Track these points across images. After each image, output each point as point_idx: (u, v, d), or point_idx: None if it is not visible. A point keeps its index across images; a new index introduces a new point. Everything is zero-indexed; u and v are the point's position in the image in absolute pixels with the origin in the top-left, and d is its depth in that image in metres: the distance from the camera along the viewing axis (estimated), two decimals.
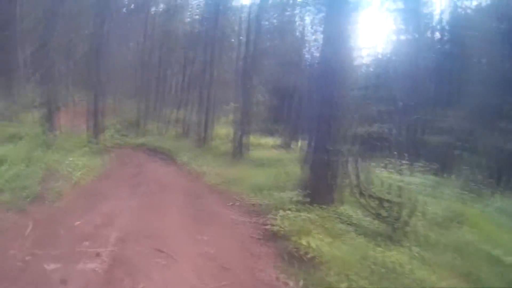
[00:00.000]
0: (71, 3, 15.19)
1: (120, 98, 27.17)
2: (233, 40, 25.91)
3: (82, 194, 7.20)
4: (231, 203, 8.10)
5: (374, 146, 13.27)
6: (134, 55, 29.38)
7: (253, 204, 7.99)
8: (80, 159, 10.20)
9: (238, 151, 18.26)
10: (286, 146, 26.43)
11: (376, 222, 6.28)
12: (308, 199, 7.07)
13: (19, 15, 14.21)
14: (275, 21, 25.46)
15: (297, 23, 26.22)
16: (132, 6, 28.44)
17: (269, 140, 26.60)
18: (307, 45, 27.11)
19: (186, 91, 25.24)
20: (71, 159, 9.70)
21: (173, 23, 25.63)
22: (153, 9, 27.65)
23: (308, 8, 23.99)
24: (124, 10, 26.87)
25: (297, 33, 26.61)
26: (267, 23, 23.87)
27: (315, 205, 6.78)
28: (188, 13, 27.38)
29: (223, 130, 25.24)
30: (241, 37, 23.42)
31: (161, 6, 27.61)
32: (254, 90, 20.84)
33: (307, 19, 24.56)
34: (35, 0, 17.32)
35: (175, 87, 26.58)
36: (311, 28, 24.68)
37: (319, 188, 7.44)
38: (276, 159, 20.22)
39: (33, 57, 14.64)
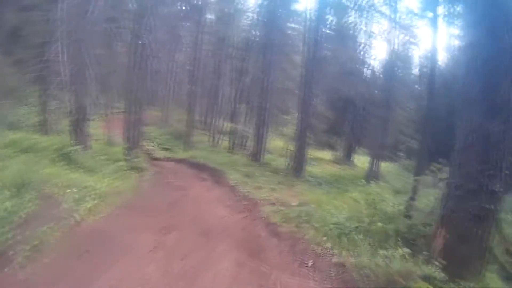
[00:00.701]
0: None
1: (169, 108, 25.44)
2: (291, 46, 23.10)
3: (75, 249, 4.36)
4: (310, 263, 4.97)
5: None
6: (184, 64, 27.90)
7: (342, 265, 4.81)
8: (103, 181, 7.66)
9: (297, 167, 15.21)
10: (344, 160, 23.15)
11: None
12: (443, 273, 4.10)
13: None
14: (334, 26, 22.45)
15: (359, 29, 22.89)
16: (182, 14, 26.48)
17: (325, 154, 23.31)
18: (371, 52, 24.06)
19: (239, 101, 22.68)
20: (90, 181, 7.23)
21: (227, 31, 23.33)
22: (206, 16, 25.52)
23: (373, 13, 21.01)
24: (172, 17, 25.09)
25: (360, 40, 23.28)
26: (327, 28, 21.03)
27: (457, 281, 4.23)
28: (244, 20, 25.08)
29: (278, 142, 22.48)
30: (300, 43, 20.68)
31: (214, 13, 25.53)
32: (315, 100, 17.88)
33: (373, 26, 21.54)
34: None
35: (227, 97, 24.13)
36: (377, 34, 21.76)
37: (463, 253, 4.36)
38: (338, 175, 16.94)
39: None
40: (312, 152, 20.34)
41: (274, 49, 17.74)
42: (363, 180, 15.22)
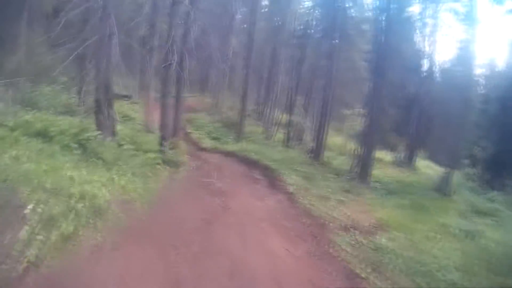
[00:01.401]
0: None
1: (221, 95, 23.27)
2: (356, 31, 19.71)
3: None
4: None
5: None
6: (239, 50, 25.60)
7: None
8: (116, 180, 5.44)
9: (362, 171, 12.17)
10: (406, 163, 19.44)
11: None
12: None
13: None
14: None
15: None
16: None
17: (383, 154, 19.67)
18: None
19: (296, 91, 19.80)
20: (95, 181, 4.99)
21: (284, 15, 20.53)
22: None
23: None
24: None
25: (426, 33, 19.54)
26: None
27: None
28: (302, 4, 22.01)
29: (336, 139, 19.42)
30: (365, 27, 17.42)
31: None
32: (385, 92, 14.61)
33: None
34: None
35: (284, 87, 21.32)
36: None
37: None
38: (405, 183, 13.65)
39: None
40: None
41: (337, 33, 14.73)
42: (435, 193, 12.17)
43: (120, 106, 12.60)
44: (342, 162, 14.41)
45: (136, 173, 6.36)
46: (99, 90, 7.53)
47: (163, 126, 9.04)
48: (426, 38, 19.26)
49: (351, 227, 5.91)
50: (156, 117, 11.11)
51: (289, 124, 19.23)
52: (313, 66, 18.80)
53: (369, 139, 12.84)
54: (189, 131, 16.58)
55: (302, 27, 21.28)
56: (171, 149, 8.81)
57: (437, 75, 21.27)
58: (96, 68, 7.59)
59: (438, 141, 18.93)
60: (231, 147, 13.50)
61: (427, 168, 19.62)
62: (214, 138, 16.25)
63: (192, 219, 5.04)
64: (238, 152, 12.32)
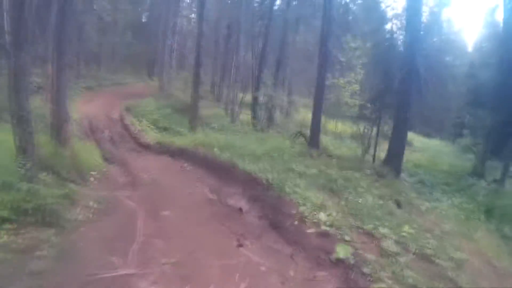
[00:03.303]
0: None
1: (169, 76, 17.88)
2: None
3: None
4: None
5: None
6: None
7: None
8: None
9: (391, 161, 7.97)
10: None
11: None
12: None
13: None
14: None
15: None
16: None
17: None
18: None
19: (261, 65, 15.10)
20: None
21: None
22: None
23: None
24: None
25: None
26: None
27: None
28: None
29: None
30: None
31: None
32: None
33: None
34: None
35: (247, 61, 16.50)
36: None
37: None
38: (445, 172, 9.65)
39: None
40: None
41: None
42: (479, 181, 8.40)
43: None
44: (343, 149, 10.20)
45: None
46: None
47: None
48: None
49: None
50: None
51: (255, 102, 14.69)
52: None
53: (402, 120, 8.42)
54: (127, 122, 11.37)
55: None
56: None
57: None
58: None
59: (424, 111, 15.40)
60: (185, 140, 8.49)
61: (424, 144, 16.42)
62: (162, 129, 11.18)
63: None
64: (195, 148, 7.40)
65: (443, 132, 18.88)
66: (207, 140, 7.70)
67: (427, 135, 18.50)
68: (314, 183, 5.22)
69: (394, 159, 7.84)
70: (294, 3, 16.35)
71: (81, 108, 11.67)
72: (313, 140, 9.39)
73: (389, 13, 11.64)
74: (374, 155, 9.27)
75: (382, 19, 11.61)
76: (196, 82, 10.33)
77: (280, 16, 15.95)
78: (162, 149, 8.14)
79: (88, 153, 5.80)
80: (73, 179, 4.48)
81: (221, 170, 5.79)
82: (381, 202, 4.94)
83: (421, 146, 15.18)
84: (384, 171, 7.32)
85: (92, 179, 4.93)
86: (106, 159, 6.77)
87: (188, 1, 24.24)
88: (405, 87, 8.09)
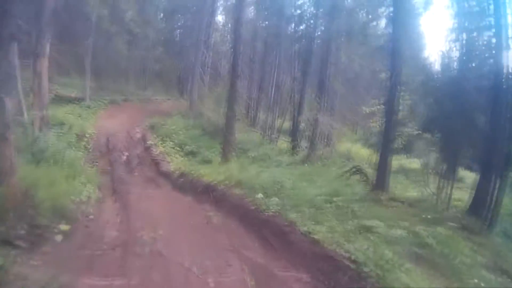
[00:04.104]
0: None
1: (203, 94, 16.25)
2: None
3: None
4: None
5: None
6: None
7: None
8: None
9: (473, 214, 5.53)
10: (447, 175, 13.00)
11: None
12: None
13: None
14: None
15: None
16: None
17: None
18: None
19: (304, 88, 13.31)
20: None
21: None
22: None
23: None
24: None
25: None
26: None
27: None
28: None
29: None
30: None
31: None
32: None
33: None
34: None
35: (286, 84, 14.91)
36: None
37: None
38: None
39: None
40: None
41: None
42: None
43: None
44: (408, 189, 7.91)
45: None
46: None
47: None
48: None
49: None
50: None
51: (295, 127, 12.74)
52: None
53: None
54: (149, 142, 9.64)
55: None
56: None
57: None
58: None
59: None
60: (215, 171, 6.43)
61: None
62: (188, 153, 9.30)
63: None
64: (229, 187, 5.35)
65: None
66: (245, 176, 5.60)
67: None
68: (407, 254, 3.06)
69: (481, 208, 5.55)
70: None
71: (102, 123, 10.25)
72: (380, 181, 7.14)
73: None
74: (449, 201, 7.01)
75: None
76: (232, 97, 8.30)
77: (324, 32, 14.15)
78: (184, 183, 6.17)
79: (71, 184, 3.89)
80: (18, 237, 2.52)
81: (268, 231, 3.66)
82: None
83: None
84: (472, 224, 5.15)
85: (58, 237, 2.95)
86: (109, 191, 4.91)
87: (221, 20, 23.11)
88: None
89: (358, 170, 8.42)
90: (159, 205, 4.68)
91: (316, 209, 4.30)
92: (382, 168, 7.32)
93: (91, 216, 3.68)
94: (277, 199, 4.64)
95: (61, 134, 7.06)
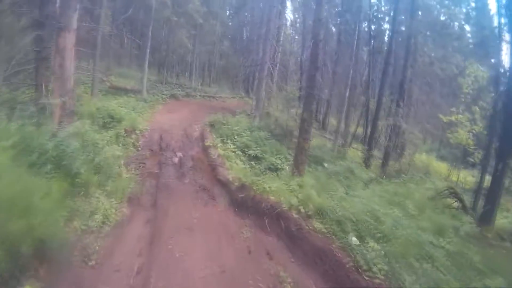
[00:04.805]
0: None
1: (269, 91, 14.70)
2: None
3: None
4: None
5: None
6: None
7: None
8: None
9: None
10: None
11: None
12: None
13: None
14: None
15: None
16: None
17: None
18: None
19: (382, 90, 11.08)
20: None
21: None
22: None
23: None
24: None
25: None
26: None
27: None
28: None
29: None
30: None
31: None
32: None
33: None
34: None
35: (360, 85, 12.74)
36: None
37: None
38: None
39: None
40: None
41: None
42: None
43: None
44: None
45: None
46: None
47: None
48: None
49: None
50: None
51: (371, 135, 10.53)
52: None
53: None
54: (208, 143, 8.35)
55: None
56: None
57: None
58: None
59: None
60: (285, 189, 4.80)
61: None
62: (252, 158, 7.75)
63: None
64: (305, 217, 3.67)
65: None
66: (327, 202, 3.84)
67: None
68: None
69: None
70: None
71: (157, 118, 9.27)
72: (489, 213, 5.07)
73: None
74: None
75: None
76: (310, 95, 6.51)
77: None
78: (244, 199, 4.63)
79: (76, 203, 2.54)
80: None
81: None
82: None
83: None
84: None
85: None
86: (144, 205, 3.60)
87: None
88: None
89: (451, 193, 6.13)
90: (204, 243, 3.17)
91: (428, 261, 2.50)
92: (493, 196, 5.19)
93: (93, 261, 2.27)
94: (376, 245, 2.94)
95: (96, 128, 6.03)
